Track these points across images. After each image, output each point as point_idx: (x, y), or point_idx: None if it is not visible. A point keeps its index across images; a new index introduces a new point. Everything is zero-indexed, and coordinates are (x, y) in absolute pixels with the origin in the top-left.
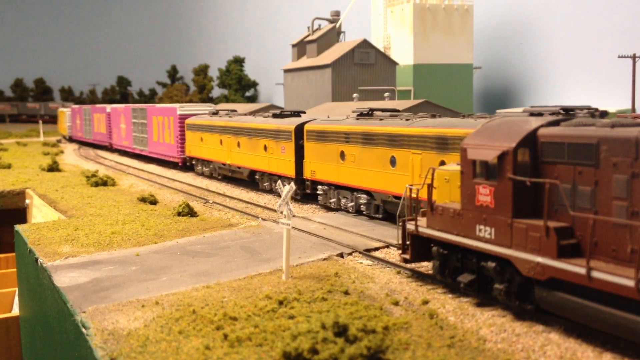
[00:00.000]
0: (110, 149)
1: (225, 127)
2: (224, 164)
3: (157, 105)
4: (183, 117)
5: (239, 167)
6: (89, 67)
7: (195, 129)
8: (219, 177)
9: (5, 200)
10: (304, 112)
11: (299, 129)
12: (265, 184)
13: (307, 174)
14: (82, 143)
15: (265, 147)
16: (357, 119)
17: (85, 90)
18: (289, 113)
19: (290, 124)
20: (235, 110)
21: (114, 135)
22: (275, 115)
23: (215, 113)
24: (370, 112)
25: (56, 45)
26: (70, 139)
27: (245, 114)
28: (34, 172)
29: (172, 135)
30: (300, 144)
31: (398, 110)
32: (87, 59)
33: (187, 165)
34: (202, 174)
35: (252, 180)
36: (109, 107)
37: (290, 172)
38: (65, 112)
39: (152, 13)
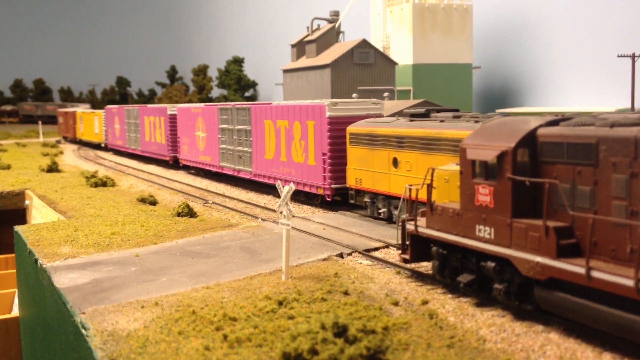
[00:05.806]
0: (173, 165)
1: None
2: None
3: (276, 103)
4: (338, 123)
5: None
6: (88, 68)
7: (372, 142)
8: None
9: (4, 201)
10: None
11: None
12: None
13: None
14: (123, 154)
15: None
16: None
17: (85, 91)
18: None
19: None
20: (457, 109)
21: (183, 147)
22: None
23: (424, 114)
24: None
25: (55, 46)
26: (106, 147)
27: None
28: (33, 173)
29: (312, 151)
30: None
31: None
32: (87, 60)
33: (346, 201)
34: (384, 218)
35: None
36: (173, 108)
37: None
38: (101, 114)
39: (151, 13)
